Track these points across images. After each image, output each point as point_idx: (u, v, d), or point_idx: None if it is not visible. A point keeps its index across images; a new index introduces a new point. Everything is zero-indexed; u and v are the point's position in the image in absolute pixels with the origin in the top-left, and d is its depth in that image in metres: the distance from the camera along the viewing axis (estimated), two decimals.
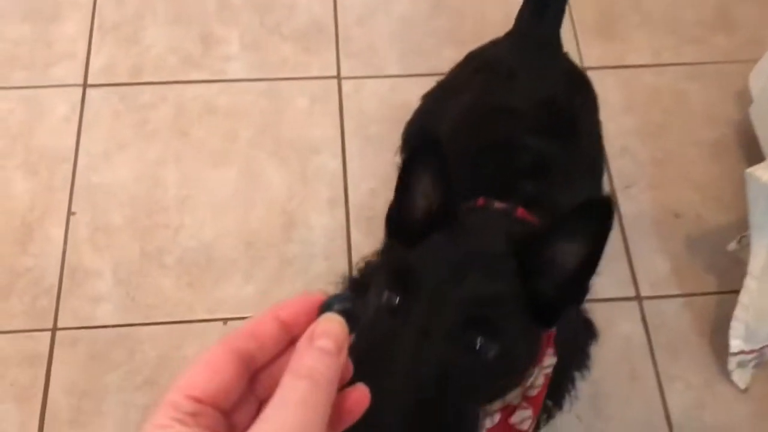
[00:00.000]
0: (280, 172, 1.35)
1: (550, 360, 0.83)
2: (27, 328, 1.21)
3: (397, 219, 0.78)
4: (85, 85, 1.42)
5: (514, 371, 0.76)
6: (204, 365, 0.40)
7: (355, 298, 0.46)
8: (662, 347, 1.21)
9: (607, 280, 1.26)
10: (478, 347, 0.68)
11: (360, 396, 0.42)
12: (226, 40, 1.48)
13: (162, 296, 1.24)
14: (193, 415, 0.38)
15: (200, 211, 1.31)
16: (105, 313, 1.22)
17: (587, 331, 1.07)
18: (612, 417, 1.16)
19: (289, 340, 0.42)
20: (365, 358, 0.55)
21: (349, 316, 0.42)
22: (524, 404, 0.84)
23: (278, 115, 1.41)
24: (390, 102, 1.41)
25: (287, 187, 1.34)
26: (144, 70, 1.44)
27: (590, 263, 0.71)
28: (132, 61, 1.45)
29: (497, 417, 0.84)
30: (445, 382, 0.67)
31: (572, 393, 1.08)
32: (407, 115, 1.20)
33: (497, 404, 0.81)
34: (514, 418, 0.84)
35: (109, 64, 1.45)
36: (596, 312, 1.22)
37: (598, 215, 0.67)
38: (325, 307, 0.42)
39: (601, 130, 1.11)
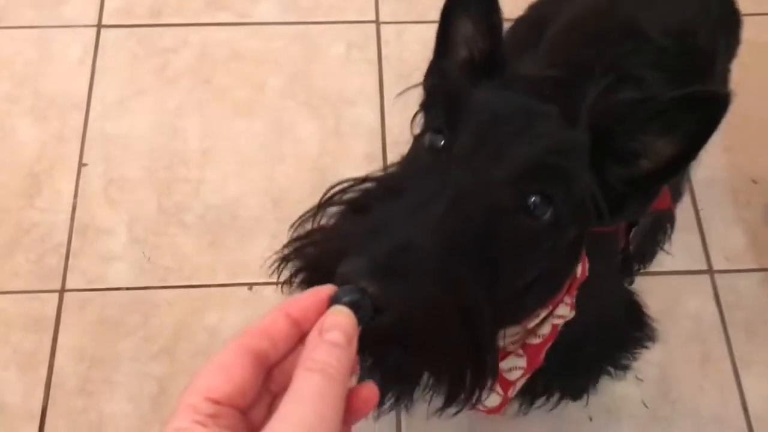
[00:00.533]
0: (311, 125, 1.23)
1: (563, 310, 0.71)
2: (33, 288, 1.10)
3: (437, 78, 0.67)
4: (99, 26, 1.29)
5: (555, 263, 0.63)
6: (220, 366, 0.41)
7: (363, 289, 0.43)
8: (737, 327, 1.08)
9: (675, 250, 1.12)
10: (530, 205, 0.55)
11: (369, 394, 0.43)
12: None
13: (181, 257, 1.12)
14: (213, 416, 0.39)
15: (224, 164, 1.19)
16: (118, 275, 1.11)
17: (632, 315, 0.94)
18: (680, 403, 1.03)
19: (301, 335, 0.43)
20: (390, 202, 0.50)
21: (357, 307, 0.42)
22: (520, 351, 0.73)
23: (310, 63, 1.28)
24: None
25: (319, 141, 1.21)
26: (164, 11, 1.31)
27: (675, 166, 0.58)
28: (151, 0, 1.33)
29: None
30: (476, 248, 0.52)
31: (591, 390, 0.97)
32: None
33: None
34: (504, 364, 0.73)
35: (125, 2, 1.32)
36: (662, 286, 1.10)
37: (705, 111, 0.55)
38: (334, 299, 0.42)
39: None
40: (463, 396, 0.53)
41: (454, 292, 0.49)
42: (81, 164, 1.18)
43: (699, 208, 1.16)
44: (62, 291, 1.10)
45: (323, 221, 0.55)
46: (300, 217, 0.57)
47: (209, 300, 1.09)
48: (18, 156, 1.19)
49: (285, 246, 0.54)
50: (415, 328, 0.47)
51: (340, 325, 0.41)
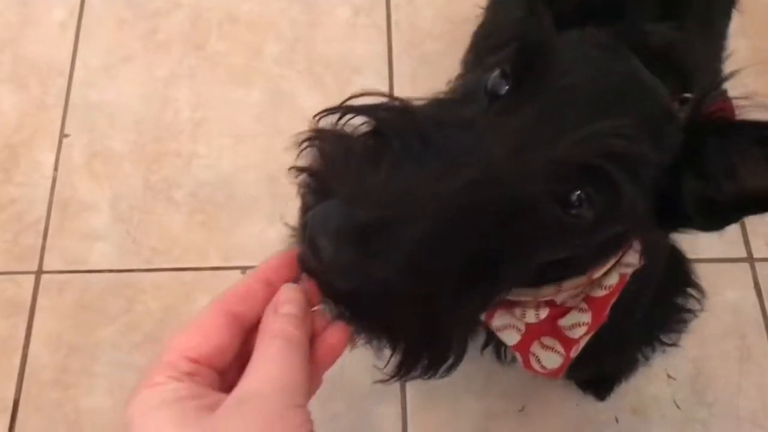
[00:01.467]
0: (312, 95, 1.12)
1: (631, 257, 0.62)
2: (8, 270, 1.00)
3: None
4: None
5: (581, 259, 0.55)
6: (199, 327, 0.44)
7: None
8: None
9: (710, 237, 1.02)
10: (573, 201, 0.46)
11: (336, 341, 0.46)
12: None
13: (169, 238, 1.03)
14: (190, 374, 0.41)
15: (217, 138, 1.09)
16: (100, 256, 1.01)
17: (679, 273, 0.81)
18: (716, 403, 0.93)
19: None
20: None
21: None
22: (583, 305, 0.63)
23: (312, 28, 1.17)
24: (448, 14, 1.17)
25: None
26: None
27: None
28: None
29: (543, 313, 0.63)
30: (480, 238, 0.44)
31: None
32: (468, 33, 0.96)
33: (548, 292, 0.60)
34: (564, 321, 0.64)
35: None
36: (698, 275, 1.00)
37: None
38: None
39: None
40: (417, 373, 0.48)
41: (421, 285, 0.42)
42: (62, 135, 1.09)
43: None
44: (39, 272, 1.00)
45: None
46: (325, 111, 0.50)
47: (199, 284, 1.00)
48: None
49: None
50: (362, 304, 0.43)
51: (292, 299, 0.44)
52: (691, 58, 0.62)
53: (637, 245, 0.61)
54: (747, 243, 1.03)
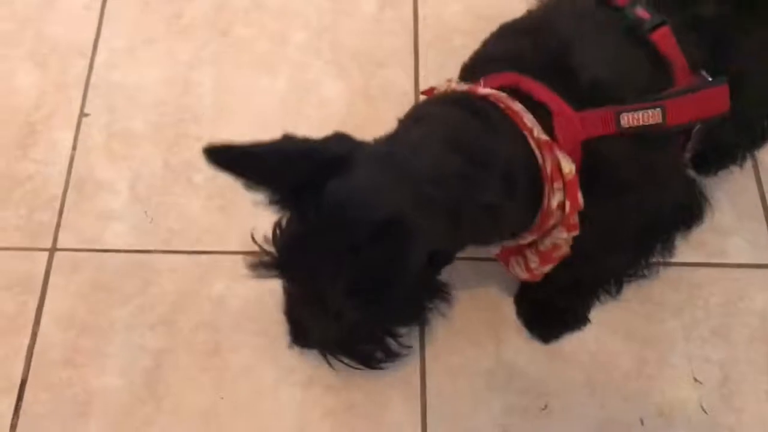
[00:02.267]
0: (337, 85, 1.11)
1: (559, 233, 0.76)
2: (21, 246, 0.98)
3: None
4: None
5: None
6: None
7: None
8: None
9: (739, 241, 1.01)
10: None
11: None
12: None
13: (187, 220, 1.01)
14: None
15: (239, 124, 1.07)
16: (116, 235, 0.99)
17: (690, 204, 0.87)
18: (745, 410, 0.90)
19: None
20: None
21: None
22: (532, 249, 0.80)
23: (338, 18, 1.16)
24: (477, 10, 1.16)
25: (346, 103, 1.10)
26: None
27: None
28: None
29: (512, 244, 0.81)
30: None
31: (640, 269, 0.93)
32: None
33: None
34: (526, 252, 0.81)
35: None
36: (725, 279, 0.98)
37: None
38: None
39: None
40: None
41: None
42: (82, 114, 1.07)
43: (765, 193, 1.04)
44: (53, 250, 0.98)
45: None
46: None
47: (217, 268, 0.97)
48: (14, 103, 1.08)
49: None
50: None
51: None
52: None
53: (562, 229, 0.74)
54: None
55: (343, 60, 1.13)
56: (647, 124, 0.70)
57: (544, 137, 0.71)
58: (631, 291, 0.96)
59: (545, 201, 0.72)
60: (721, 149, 0.99)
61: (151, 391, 0.90)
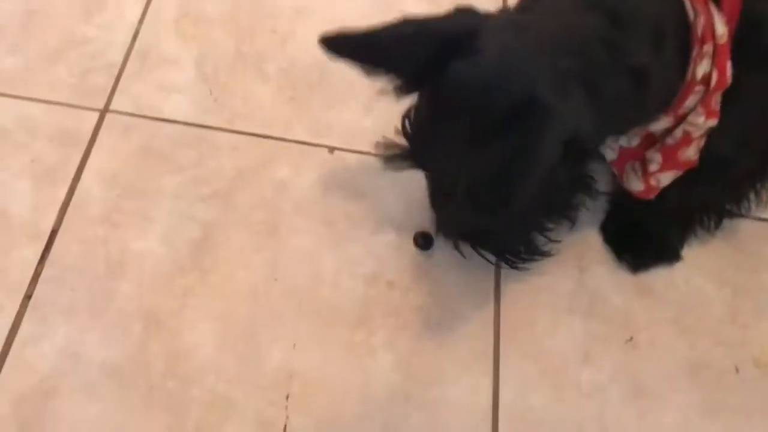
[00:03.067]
0: (421, 2, 1.06)
1: (696, 118, 0.69)
2: (70, 102, 0.90)
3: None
4: None
5: None
6: None
7: None
8: None
9: None
10: None
11: None
12: None
13: (254, 104, 0.93)
14: None
15: (318, 25, 1.01)
16: (176, 107, 0.91)
17: None
18: None
19: None
20: None
21: None
22: (657, 147, 0.74)
23: None
24: None
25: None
26: None
27: None
28: None
29: (635, 141, 0.76)
30: None
31: (746, 206, 0.84)
32: None
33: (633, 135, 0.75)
34: (648, 153, 0.75)
35: None
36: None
37: None
38: None
39: None
40: None
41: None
42: None
43: None
44: (105, 111, 0.90)
45: None
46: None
47: (282, 154, 0.89)
48: None
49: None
50: None
51: None
52: None
53: (701, 108, 0.67)
54: None
55: None
56: None
57: None
58: (724, 237, 0.88)
59: (690, 68, 0.65)
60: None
61: (195, 262, 0.80)
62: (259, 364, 0.74)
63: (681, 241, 0.87)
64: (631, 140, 0.76)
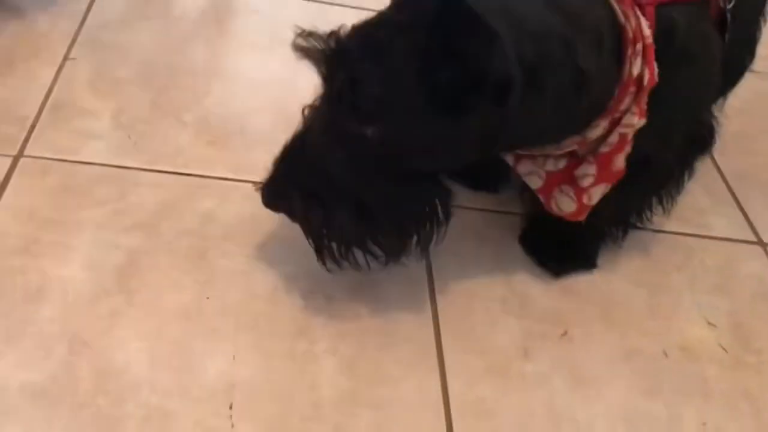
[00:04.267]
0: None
1: (630, 118, 0.73)
2: None
3: None
4: None
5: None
6: None
7: None
8: None
9: (719, 219, 1.03)
10: None
11: None
12: None
13: (174, 147, 0.93)
14: None
15: (233, 85, 1.05)
16: (94, 151, 0.90)
17: (699, 140, 0.87)
18: (764, 352, 0.86)
19: None
20: None
21: None
22: (590, 158, 0.77)
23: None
24: None
25: None
26: None
27: None
28: None
29: (562, 163, 0.79)
30: None
31: (646, 215, 0.92)
32: None
33: (566, 146, 0.76)
34: (577, 171, 0.78)
35: None
36: (714, 247, 1.00)
37: None
38: None
39: None
40: None
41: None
42: (67, 58, 1.02)
43: (728, 180, 1.10)
44: (18, 156, 0.87)
45: None
46: None
47: (205, 189, 0.89)
48: None
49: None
50: None
51: None
52: None
53: (635, 108, 0.72)
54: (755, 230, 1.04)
55: None
56: None
57: None
58: (631, 244, 0.95)
59: (626, 68, 0.71)
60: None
61: (121, 285, 0.76)
62: (197, 376, 0.70)
63: (596, 250, 0.92)
64: (558, 162, 0.79)
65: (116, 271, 0.77)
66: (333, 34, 0.67)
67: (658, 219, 0.96)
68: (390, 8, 0.67)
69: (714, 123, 0.88)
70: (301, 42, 0.69)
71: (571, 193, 0.78)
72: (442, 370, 0.76)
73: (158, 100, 0.99)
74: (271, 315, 0.77)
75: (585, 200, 0.78)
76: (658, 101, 0.73)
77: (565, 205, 0.79)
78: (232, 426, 0.67)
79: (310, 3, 1.26)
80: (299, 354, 0.74)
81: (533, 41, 0.65)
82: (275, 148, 0.96)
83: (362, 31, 0.66)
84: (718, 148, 1.11)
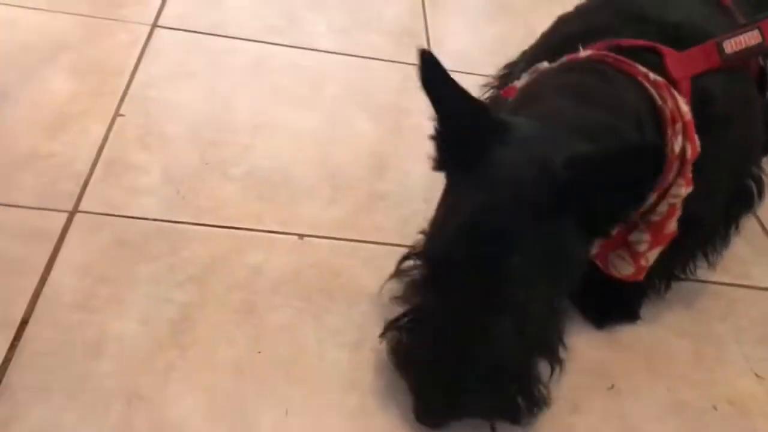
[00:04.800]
0: (369, 123, 1.16)
1: (677, 190, 0.75)
2: (38, 205, 0.90)
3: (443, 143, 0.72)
4: (154, 25, 1.26)
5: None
6: None
7: None
8: None
9: (760, 269, 1.03)
10: None
11: None
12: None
13: (222, 201, 0.96)
14: None
15: (275, 138, 1.08)
16: (145, 206, 0.92)
17: (743, 198, 0.88)
18: None
19: None
20: None
21: None
22: (643, 227, 0.79)
23: (368, 83, 1.25)
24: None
25: (378, 136, 1.14)
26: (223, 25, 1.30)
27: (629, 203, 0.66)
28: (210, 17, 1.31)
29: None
30: None
31: (691, 268, 0.94)
32: None
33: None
34: (632, 237, 0.80)
35: (183, 13, 1.31)
36: (757, 297, 0.99)
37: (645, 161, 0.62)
38: None
39: None
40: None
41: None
42: (117, 114, 1.06)
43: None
44: (74, 212, 0.90)
45: None
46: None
47: (254, 242, 0.91)
48: (46, 99, 1.05)
49: None
50: None
51: None
52: None
53: (681, 180, 0.75)
54: None
55: (373, 107, 1.19)
56: (750, 45, 0.75)
57: (660, 78, 0.73)
58: (673, 295, 0.95)
59: (669, 146, 0.73)
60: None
61: (175, 340, 0.77)
62: (251, 431, 0.71)
63: (639, 302, 0.92)
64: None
65: (170, 325, 0.79)
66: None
67: (700, 271, 0.97)
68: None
69: (761, 179, 0.89)
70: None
71: (627, 257, 0.80)
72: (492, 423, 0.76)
73: (205, 155, 1.02)
74: (320, 369, 0.78)
75: (643, 263, 0.80)
76: (703, 166, 0.75)
77: (623, 268, 0.81)
78: None
79: (350, 57, 1.30)
80: (352, 407, 0.75)
81: (588, 138, 0.68)
82: (318, 201, 0.99)
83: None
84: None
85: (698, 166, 0.75)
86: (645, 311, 0.92)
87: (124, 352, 0.75)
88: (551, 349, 0.73)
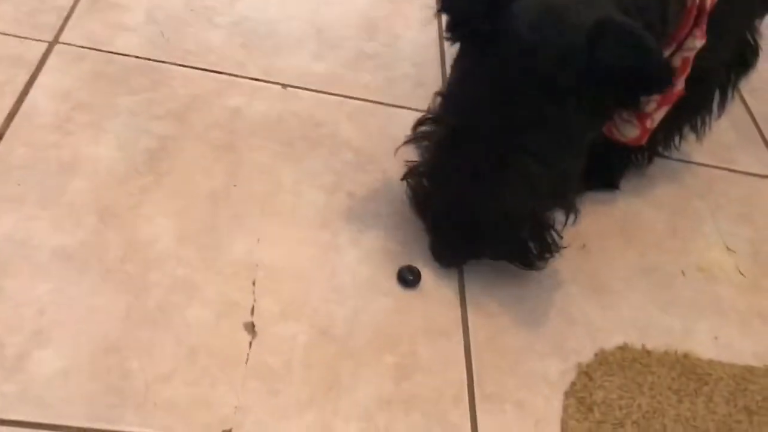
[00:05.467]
0: None
1: (691, 42, 0.74)
2: (16, 33, 0.88)
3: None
4: None
5: None
6: None
7: None
8: None
9: (744, 155, 1.03)
10: None
11: None
12: None
13: (206, 47, 0.94)
14: None
15: None
16: (128, 44, 0.91)
17: (746, 52, 0.87)
18: None
19: None
20: None
21: None
22: None
23: None
24: None
25: (370, 2, 1.11)
26: None
27: None
28: None
29: None
30: None
31: (676, 143, 0.93)
32: None
33: None
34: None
35: None
36: (738, 179, 0.99)
37: None
38: None
39: None
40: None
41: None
42: None
43: (755, 117, 1.09)
44: (54, 42, 0.88)
45: None
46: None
47: (234, 87, 0.89)
48: None
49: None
50: None
51: None
52: None
53: (697, 31, 0.73)
54: None
55: None
56: None
57: None
58: (655, 172, 0.95)
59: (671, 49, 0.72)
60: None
61: (151, 167, 0.77)
62: (222, 254, 0.71)
63: (621, 172, 0.92)
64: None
65: (147, 154, 0.79)
66: None
67: (684, 150, 0.97)
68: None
69: (758, 41, 0.87)
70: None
71: (634, 120, 0.79)
72: (461, 275, 0.77)
73: (191, 2, 1.00)
74: (294, 206, 0.78)
75: (648, 125, 0.79)
76: (713, 21, 0.74)
77: (628, 131, 0.81)
78: (254, 300, 0.68)
79: None
80: (322, 243, 0.75)
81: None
82: (303, 55, 0.97)
83: None
84: (749, 89, 1.11)
85: (710, 21, 0.74)
86: (626, 183, 0.92)
87: (98, 173, 0.75)
88: (566, 198, 0.74)
